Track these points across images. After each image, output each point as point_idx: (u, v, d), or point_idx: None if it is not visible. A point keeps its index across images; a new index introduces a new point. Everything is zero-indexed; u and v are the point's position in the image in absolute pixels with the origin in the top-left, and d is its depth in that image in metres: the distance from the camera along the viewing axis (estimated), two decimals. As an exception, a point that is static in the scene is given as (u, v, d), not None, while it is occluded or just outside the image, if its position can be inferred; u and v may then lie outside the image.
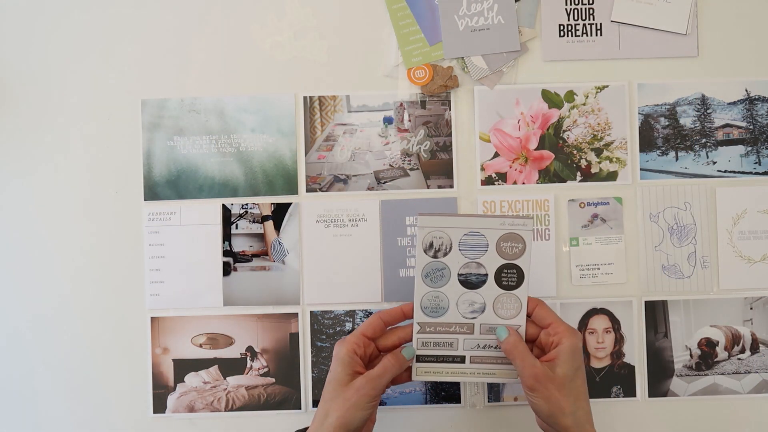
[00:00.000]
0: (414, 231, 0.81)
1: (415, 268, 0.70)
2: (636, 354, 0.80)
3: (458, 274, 0.68)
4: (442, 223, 0.67)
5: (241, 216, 0.81)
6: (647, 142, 0.81)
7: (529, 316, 0.69)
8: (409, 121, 0.81)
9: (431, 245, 0.67)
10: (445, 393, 0.80)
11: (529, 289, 0.69)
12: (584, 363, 0.80)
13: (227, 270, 0.81)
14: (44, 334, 0.81)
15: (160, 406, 0.80)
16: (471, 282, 0.69)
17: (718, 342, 0.81)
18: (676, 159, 0.81)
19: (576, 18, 0.81)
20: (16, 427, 0.81)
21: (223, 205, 0.81)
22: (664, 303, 0.81)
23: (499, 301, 0.69)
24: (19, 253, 0.81)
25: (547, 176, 0.81)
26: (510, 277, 0.69)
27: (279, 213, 0.81)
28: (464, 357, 0.70)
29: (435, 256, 0.68)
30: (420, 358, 0.70)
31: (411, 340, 0.70)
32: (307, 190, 0.81)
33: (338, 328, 0.80)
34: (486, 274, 0.68)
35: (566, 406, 0.64)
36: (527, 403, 0.66)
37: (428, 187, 0.81)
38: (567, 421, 0.64)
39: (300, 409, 0.80)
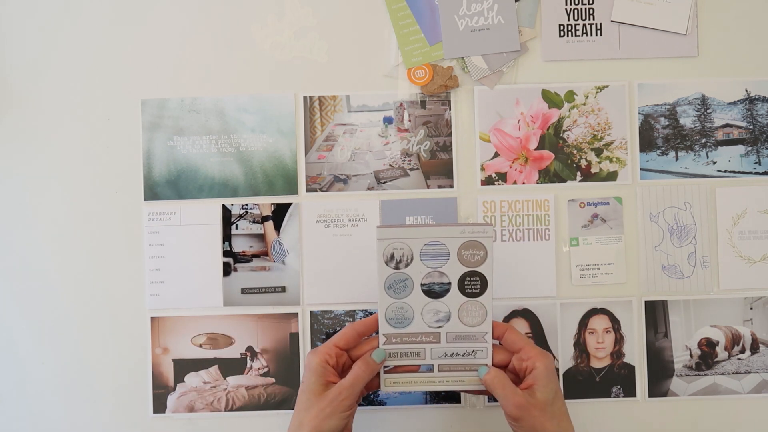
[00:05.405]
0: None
1: (377, 280, 0.69)
2: (636, 354, 0.80)
3: (421, 284, 0.68)
4: (401, 235, 0.66)
5: (241, 216, 0.81)
6: (647, 142, 0.81)
7: (499, 341, 0.69)
8: (409, 121, 0.81)
9: (392, 257, 0.66)
10: (445, 393, 0.80)
11: (493, 295, 0.68)
12: (585, 363, 0.80)
13: (227, 270, 0.81)
14: (43, 335, 0.81)
15: (160, 406, 0.80)
16: (434, 291, 0.68)
17: (718, 342, 0.81)
18: (676, 159, 0.81)
19: (576, 18, 0.81)
20: (15, 427, 0.81)
21: (223, 205, 0.81)
22: (664, 303, 0.81)
23: (464, 309, 0.68)
24: (18, 253, 0.81)
25: (547, 176, 0.81)
26: (473, 284, 0.68)
27: (279, 213, 0.81)
28: (432, 366, 0.69)
29: (397, 268, 0.67)
30: (388, 369, 0.69)
31: None
32: (307, 190, 0.81)
33: (338, 328, 0.80)
34: (449, 283, 0.68)
35: (550, 429, 0.64)
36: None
37: (428, 187, 0.81)
38: None
39: (300, 409, 0.80)
